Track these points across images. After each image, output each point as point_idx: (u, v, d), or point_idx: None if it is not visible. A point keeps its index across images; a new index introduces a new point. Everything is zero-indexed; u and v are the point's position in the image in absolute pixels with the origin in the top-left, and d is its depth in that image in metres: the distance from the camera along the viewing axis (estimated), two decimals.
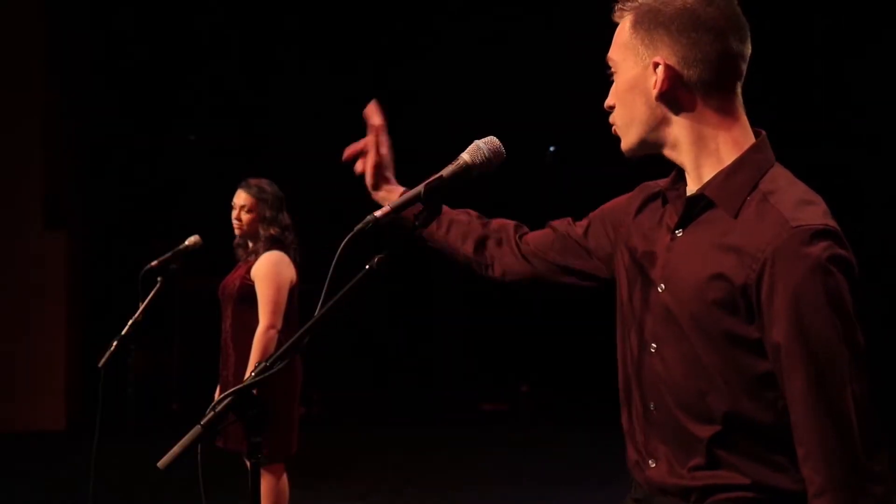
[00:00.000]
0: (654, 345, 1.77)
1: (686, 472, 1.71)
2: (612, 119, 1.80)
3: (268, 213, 4.45)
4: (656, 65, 1.71)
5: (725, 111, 1.73)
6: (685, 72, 1.70)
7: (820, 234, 1.58)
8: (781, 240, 1.59)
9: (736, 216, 1.68)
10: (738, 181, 1.70)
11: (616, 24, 1.80)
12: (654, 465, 1.76)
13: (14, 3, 8.98)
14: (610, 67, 1.80)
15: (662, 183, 1.86)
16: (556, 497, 6.64)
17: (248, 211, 4.47)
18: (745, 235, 1.65)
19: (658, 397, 1.76)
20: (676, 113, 1.73)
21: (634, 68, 1.74)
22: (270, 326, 4.30)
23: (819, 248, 1.57)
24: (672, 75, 1.70)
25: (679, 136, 1.74)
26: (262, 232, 4.45)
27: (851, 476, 1.57)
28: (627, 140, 1.78)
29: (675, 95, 1.72)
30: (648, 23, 1.72)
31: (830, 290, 1.57)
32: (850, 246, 1.62)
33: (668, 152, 1.78)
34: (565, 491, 6.77)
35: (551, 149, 10.94)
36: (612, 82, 1.81)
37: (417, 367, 10.56)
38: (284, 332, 4.32)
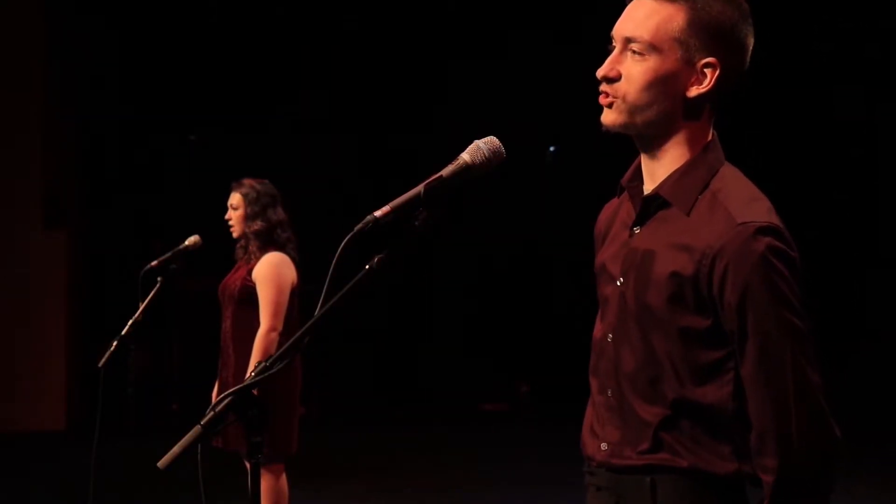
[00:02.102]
0: (610, 335, 1.86)
1: (634, 455, 1.80)
2: (613, 90, 1.81)
3: (250, 210, 4.47)
4: (707, 65, 1.77)
5: (712, 119, 1.84)
6: (725, 83, 1.79)
7: (763, 230, 1.69)
8: (729, 236, 1.70)
9: (689, 214, 1.78)
10: (691, 181, 1.80)
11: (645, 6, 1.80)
12: (605, 449, 1.85)
13: (14, 3, 8.98)
14: (631, 42, 1.79)
15: (624, 179, 1.94)
16: (556, 497, 6.63)
17: (236, 210, 4.50)
18: (695, 232, 1.75)
19: (615, 384, 1.85)
20: (689, 112, 1.80)
21: (677, 63, 1.77)
22: (272, 329, 4.30)
23: (762, 244, 1.69)
24: (719, 81, 1.78)
25: (681, 134, 1.81)
26: (247, 230, 4.47)
27: (786, 462, 1.69)
28: (629, 119, 1.81)
29: (705, 99, 1.80)
30: (710, 27, 1.77)
31: (772, 282, 1.68)
32: (792, 241, 1.73)
33: (650, 139, 1.83)
34: (565, 491, 6.76)
35: (551, 149, 10.94)
36: (609, 52, 1.83)
37: (417, 367, 10.56)
38: (285, 334, 4.32)
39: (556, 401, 10.15)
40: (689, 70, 1.77)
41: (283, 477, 4.44)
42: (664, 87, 1.78)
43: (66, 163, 9.24)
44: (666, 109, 1.79)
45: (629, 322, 1.82)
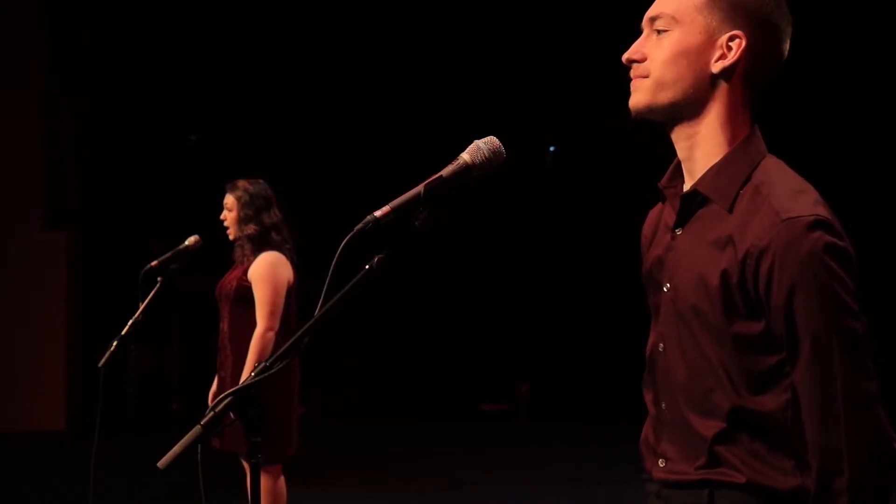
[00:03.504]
0: (661, 345, 1.78)
1: (692, 470, 1.71)
2: (638, 71, 1.76)
3: (243, 214, 4.47)
4: (732, 38, 1.70)
5: (749, 107, 1.75)
6: (753, 59, 1.71)
7: (812, 224, 1.59)
8: (774, 233, 1.60)
9: (731, 210, 1.68)
10: (730, 175, 1.70)
11: None
12: (663, 465, 1.77)
13: (14, 3, 8.98)
14: (655, 21, 1.75)
15: (662, 182, 1.85)
16: (556, 497, 6.63)
17: (230, 211, 4.51)
18: (739, 229, 1.65)
19: (669, 397, 1.77)
20: (718, 93, 1.73)
21: (700, 35, 1.71)
22: (268, 329, 4.30)
23: (811, 240, 1.58)
24: (744, 55, 1.70)
25: (713, 116, 1.73)
26: (240, 233, 4.47)
27: (831, 478, 1.58)
28: (651, 98, 1.74)
29: (732, 75, 1.71)
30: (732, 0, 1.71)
31: (822, 281, 1.58)
32: (843, 233, 1.62)
33: (687, 127, 1.75)
34: (565, 491, 6.76)
35: (551, 149, 10.94)
36: (638, 34, 1.77)
37: (417, 366, 10.56)
38: (282, 333, 4.32)
39: (556, 401, 10.17)
40: (712, 44, 1.71)
41: (281, 478, 4.43)
42: (688, 61, 1.71)
43: (66, 163, 9.24)
44: (692, 86, 1.72)
45: (680, 330, 1.73)
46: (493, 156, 1.82)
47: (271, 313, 4.32)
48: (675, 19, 1.73)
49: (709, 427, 1.68)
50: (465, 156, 1.81)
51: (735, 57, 1.70)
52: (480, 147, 1.82)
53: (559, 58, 9.76)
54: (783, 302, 1.60)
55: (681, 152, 1.79)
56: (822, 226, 1.59)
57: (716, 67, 1.71)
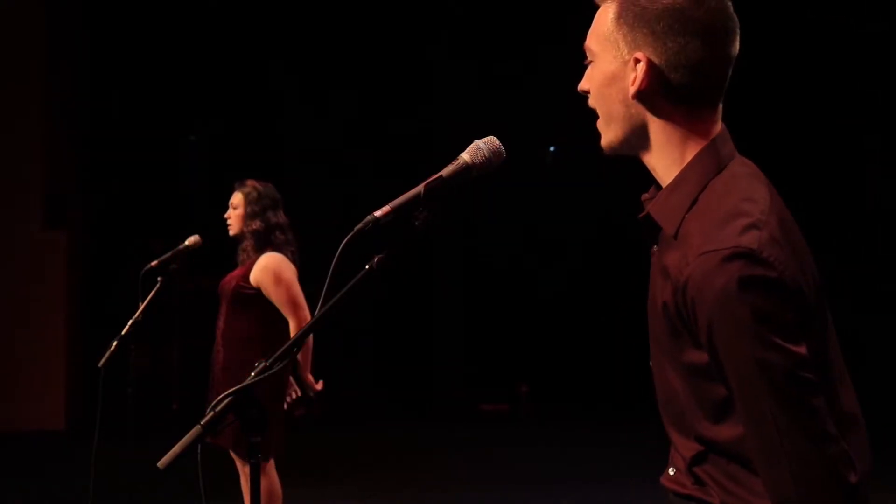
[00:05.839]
0: (651, 362, 1.76)
1: (689, 485, 1.70)
2: (590, 104, 1.73)
3: (249, 210, 4.48)
4: (636, 61, 1.62)
5: (702, 118, 1.66)
6: (668, 74, 1.61)
7: (728, 258, 1.48)
8: (692, 268, 1.52)
9: (675, 237, 1.61)
10: (677, 199, 1.63)
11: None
12: (672, 474, 1.76)
13: (14, 3, 8.99)
14: (586, 56, 1.72)
15: (646, 195, 1.80)
16: (556, 497, 6.63)
17: (236, 209, 4.51)
18: (676, 259, 1.58)
19: (661, 413, 1.76)
20: (647, 117, 1.65)
21: (613, 62, 1.65)
22: (303, 319, 4.33)
23: (726, 275, 1.48)
24: (653, 75, 1.61)
25: (653, 140, 1.67)
26: (244, 228, 4.48)
27: None
28: (606, 137, 1.71)
29: (652, 96, 1.63)
30: (633, 17, 1.62)
31: (737, 317, 1.48)
32: (775, 259, 1.49)
33: (644, 157, 1.71)
34: (565, 491, 6.76)
35: (551, 149, 10.94)
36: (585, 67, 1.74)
37: (417, 367, 10.57)
38: (278, 335, 4.32)
39: (556, 401, 10.17)
40: (625, 69, 1.64)
41: (274, 473, 4.44)
42: (610, 91, 1.66)
43: (66, 163, 9.24)
44: (623, 116, 1.66)
45: (655, 351, 1.70)
46: (493, 156, 1.82)
47: (296, 307, 4.34)
48: (592, 50, 1.69)
49: (688, 447, 1.67)
50: (465, 156, 1.81)
51: (640, 79, 1.62)
52: (480, 147, 1.82)
53: (559, 58, 9.76)
54: (706, 339, 1.52)
55: (657, 177, 1.74)
56: (739, 257, 1.48)
57: (630, 92, 1.64)
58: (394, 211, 1.76)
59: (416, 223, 1.77)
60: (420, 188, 1.78)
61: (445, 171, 1.79)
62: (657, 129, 1.66)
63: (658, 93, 1.63)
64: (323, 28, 10.10)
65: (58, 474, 7.13)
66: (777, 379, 1.48)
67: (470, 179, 1.80)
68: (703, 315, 1.51)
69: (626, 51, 1.64)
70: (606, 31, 1.66)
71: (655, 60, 1.62)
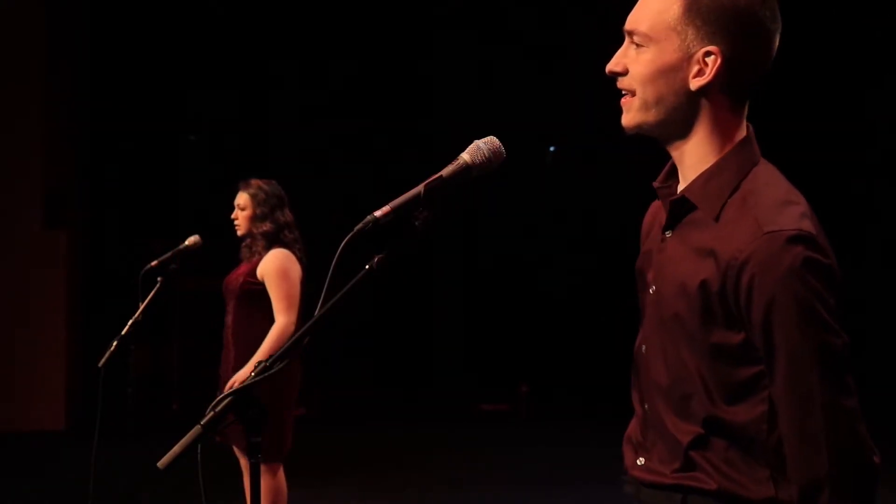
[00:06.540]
0: (644, 346, 1.79)
1: (669, 473, 1.71)
2: (623, 84, 1.74)
3: (259, 211, 4.49)
4: (707, 54, 1.66)
5: (742, 113, 1.72)
6: (735, 71, 1.67)
7: (793, 238, 1.56)
8: (755, 246, 1.58)
9: (717, 219, 1.66)
10: (719, 183, 1.68)
11: None
12: (641, 464, 1.78)
13: (14, 3, 8.98)
14: (632, 35, 1.72)
15: (657, 181, 1.84)
16: (556, 497, 6.63)
17: (244, 209, 4.52)
18: (722, 240, 1.63)
19: (650, 399, 1.77)
20: (702, 107, 1.69)
21: (676, 52, 1.67)
22: (289, 323, 4.32)
23: (791, 255, 1.55)
24: (722, 71, 1.66)
25: (699, 130, 1.71)
26: (254, 230, 4.48)
27: (813, 486, 1.57)
28: (639, 117, 1.73)
29: (713, 90, 1.68)
30: (707, 12, 1.66)
31: (801, 297, 1.55)
32: (827, 248, 1.59)
33: (677, 143, 1.74)
34: (565, 491, 6.76)
35: (551, 149, 10.94)
36: (618, 46, 1.75)
37: (417, 366, 10.57)
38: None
39: (556, 401, 10.17)
40: (689, 60, 1.67)
41: (281, 475, 4.44)
42: (666, 80, 1.68)
43: (66, 163, 9.24)
44: (674, 105, 1.69)
45: (662, 334, 1.72)
46: (493, 156, 1.82)
47: (290, 307, 4.35)
48: (649, 37, 1.70)
49: (685, 432, 1.68)
50: (465, 156, 1.81)
51: (712, 73, 1.66)
52: (480, 147, 1.82)
53: (559, 58, 9.77)
54: (762, 316, 1.57)
55: (674, 158, 1.78)
56: (803, 240, 1.56)
57: (694, 84, 1.68)
58: (394, 211, 1.76)
59: (416, 223, 1.77)
60: (420, 188, 1.78)
61: (445, 171, 1.79)
62: (707, 120, 1.70)
63: (719, 88, 1.68)
64: (322, 28, 10.10)
65: (58, 474, 7.13)
66: (829, 360, 1.56)
67: (470, 179, 1.80)
68: (763, 292, 1.57)
69: (695, 44, 1.67)
70: (672, 21, 1.68)
71: (727, 56, 1.66)
